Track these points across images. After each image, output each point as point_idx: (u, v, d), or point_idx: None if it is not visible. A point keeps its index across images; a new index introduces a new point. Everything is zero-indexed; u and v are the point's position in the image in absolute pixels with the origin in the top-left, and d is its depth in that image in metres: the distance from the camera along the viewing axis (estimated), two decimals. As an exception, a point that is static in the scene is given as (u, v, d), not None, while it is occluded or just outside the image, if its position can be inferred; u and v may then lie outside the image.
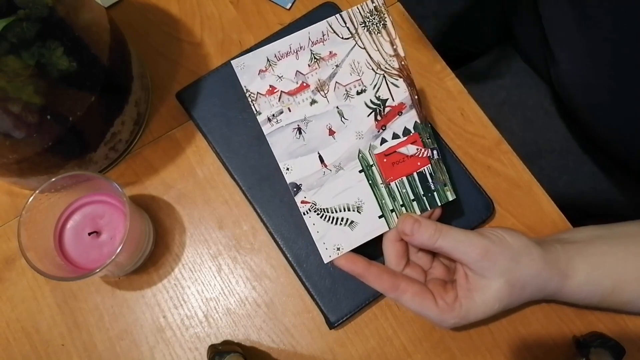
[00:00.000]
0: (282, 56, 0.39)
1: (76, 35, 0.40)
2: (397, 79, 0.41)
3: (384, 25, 0.40)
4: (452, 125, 0.53)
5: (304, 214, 0.41)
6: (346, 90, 0.41)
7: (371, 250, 0.43)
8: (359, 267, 0.41)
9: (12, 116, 0.39)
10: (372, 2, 0.40)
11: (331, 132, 0.41)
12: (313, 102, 0.40)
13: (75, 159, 0.47)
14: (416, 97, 0.42)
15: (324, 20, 0.39)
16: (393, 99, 0.41)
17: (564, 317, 0.48)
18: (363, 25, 0.40)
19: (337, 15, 0.40)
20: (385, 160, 0.42)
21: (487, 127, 0.53)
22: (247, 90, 0.40)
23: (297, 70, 0.40)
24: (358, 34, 0.40)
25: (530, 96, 0.65)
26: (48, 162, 0.45)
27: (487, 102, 0.56)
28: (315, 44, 0.40)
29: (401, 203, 0.42)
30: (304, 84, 0.40)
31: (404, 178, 0.42)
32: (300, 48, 0.40)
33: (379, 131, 0.42)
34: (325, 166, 0.41)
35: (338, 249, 0.42)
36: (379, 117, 0.41)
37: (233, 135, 0.52)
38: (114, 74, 0.46)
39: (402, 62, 0.41)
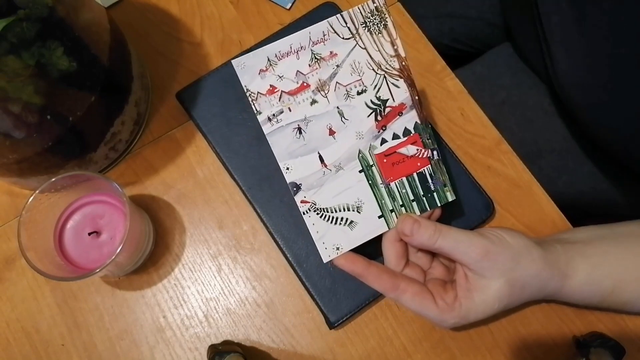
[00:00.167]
0: (282, 56, 0.39)
1: (76, 35, 0.40)
2: (397, 80, 0.41)
3: (385, 26, 0.40)
4: (452, 125, 0.53)
5: (304, 213, 0.41)
6: (346, 90, 0.41)
7: (371, 250, 0.43)
8: (358, 267, 0.41)
9: (12, 116, 0.39)
10: (373, 2, 0.40)
11: (331, 132, 0.41)
12: (313, 102, 0.40)
13: (75, 159, 0.47)
14: (417, 97, 0.42)
15: (325, 20, 0.39)
16: (393, 100, 0.41)
17: (564, 317, 0.48)
18: (364, 25, 0.40)
19: (338, 15, 0.40)
20: (385, 160, 0.42)
21: (487, 127, 0.53)
22: (247, 89, 0.40)
23: (298, 70, 0.40)
24: (359, 34, 0.40)
25: (529, 96, 0.65)
26: (48, 162, 0.45)
27: (487, 102, 0.56)
28: (316, 43, 0.40)
29: (401, 203, 0.42)
30: (305, 84, 0.40)
31: (404, 178, 0.42)
32: (301, 48, 0.40)
33: (379, 131, 0.42)
34: (325, 166, 0.41)
35: (337, 248, 0.42)
36: (379, 118, 0.41)
37: (233, 135, 0.52)
38: (114, 74, 0.46)
39: (403, 63, 0.41)
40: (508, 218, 0.51)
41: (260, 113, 0.40)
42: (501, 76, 0.67)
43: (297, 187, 0.41)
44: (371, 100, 0.41)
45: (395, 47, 0.41)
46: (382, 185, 0.42)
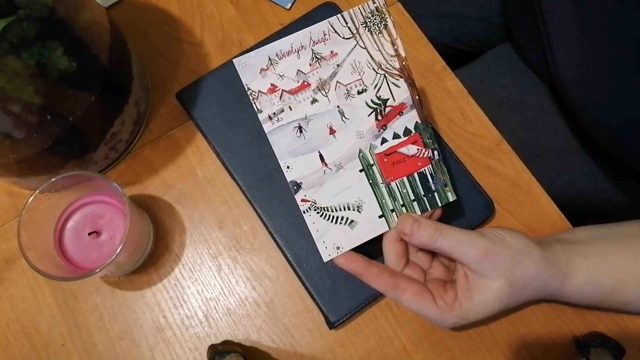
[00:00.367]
0: (283, 55, 0.39)
1: (76, 35, 0.40)
2: (398, 79, 0.41)
3: (385, 26, 0.40)
4: (452, 126, 0.53)
5: (304, 212, 0.41)
6: (347, 89, 0.41)
7: (371, 249, 0.43)
8: (359, 266, 0.41)
9: (12, 116, 0.39)
10: (374, 2, 0.40)
11: (332, 131, 0.41)
12: (314, 101, 0.41)
13: (75, 159, 0.47)
14: (417, 97, 0.42)
15: (326, 20, 0.39)
16: (394, 99, 0.41)
17: (564, 317, 0.48)
18: (364, 25, 0.40)
19: (339, 15, 0.40)
20: (385, 160, 0.42)
21: (487, 127, 0.53)
22: (248, 88, 0.40)
23: (299, 69, 0.40)
24: (359, 34, 0.40)
25: (530, 96, 0.65)
26: (48, 162, 0.45)
27: (487, 102, 0.56)
28: (317, 43, 0.40)
29: (401, 203, 0.42)
30: (305, 83, 0.40)
31: (405, 178, 0.42)
32: (302, 47, 0.40)
33: (379, 131, 0.42)
34: (326, 165, 0.41)
35: (338, 248, 0.42)
36: (379, 117, 0.41)
37: (233, 135, 0.52)
38: (114, 74, 0.46)
39: (403, 62, 0.41)
40: (508, 218, 0.51)
41: (261, 112, 0.40)
42: (501, 76, 0.67)
43: (298, 186, 0.41)
44: (372, 100, 0.41)
45: (396, 46, 0.41)
46: (382, 184, 0.42)
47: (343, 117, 0.41)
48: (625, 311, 0.47)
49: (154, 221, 0.50)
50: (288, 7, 0.57)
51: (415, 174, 0.42)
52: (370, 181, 0.42)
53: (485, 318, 0.41)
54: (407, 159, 0.42)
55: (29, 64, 0.36)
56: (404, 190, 0.42)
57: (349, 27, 0.40)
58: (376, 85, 0.41)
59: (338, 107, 0.41)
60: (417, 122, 0.42)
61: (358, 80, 0.41)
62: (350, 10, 0.40)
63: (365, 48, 0.40)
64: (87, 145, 0.47)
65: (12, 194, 0.52)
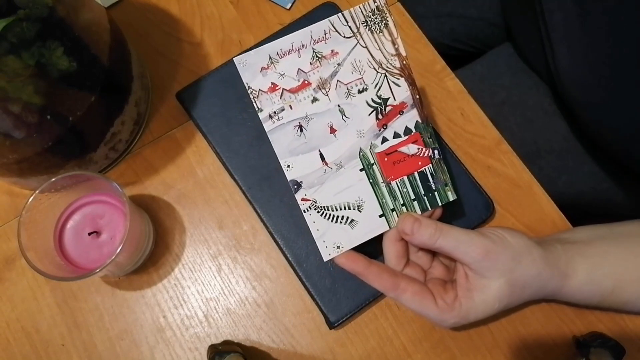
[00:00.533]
0: (284, 54, 0.39)
1: (76, 35, 0.40)
2: (398, 78, 0.41)
3: (386, 25, 0.40)
4: (452, 125, 0.53)
5: (304, 211, 0.41)
6: (347, 88, 0.41)
7: (371, 249, 0.43)
8: (359, 266, 0.41)
9: (12, 116, 0.38)
10: (374, 1, 0.40)
11: (332, 130, 0.41)
12: (314, 100, 0.41)
13: (75, 159, 0.47)
14: (417, 96, 0.42)
15: (326, 19, 0.39)
16: (394, 98, 0.41)
17: (564, 317, 0.48)
18: (365, 24, 0.40)
19: (339, 14, 0.40)
20: (386, 159, 0.42)
21: (487, 127, 0.53)
22: (249, 87, 0.40)
23: (299, 68, 0.40)
24: (360, 33, 0.40)
25: (530, 96, 0.65)
26: (48, 162, 0.45)
27: (487, 102, 0.56)
28: (317, 42, 0.40)
29: (402, 202, 0.42)
30: (306, 82, 0.40)
31: (405, 177, 0.42)
32: (302, 46, 0.40)
33: (380, 130, 0.42)
34: (326, 164, 0.41)
35: (338, 247, 0.42)
36: (380, 116, 0.41)
37: (233, 135, 0.51)
38: (114, 74, 0.46)
39: (404, 62, 0.41)
40: (508, 218, 0.51)
41: (261, 110, 0.40)
42: (501, 76, 0.67)
43: (298, 185, 0.41)
44: (372, 99, 0.41)
45: (396, 46, 0.41)
46: (383, 184, 0.42)
47: (343, 116, 0.41)
48: (625, 311, 0.46)
49: (154, 221, 0.50)
50: (288, 7, 0.57)
51: (416, 173, 0.42)
52: (371, 180, 0.42)
53: (486, 318, 0.41)
54: (408, 158, 0.42)
55: (29, 64, 0.36)
56: (405, 190, 0.42)
57: (349, 26, 0.40)
58: (377, 84, 0.41)
59: (338, 106, 0.41)
60: (417, 121, 0.42)
61: (359, 79, 0.41)
62: (351, 9, 0.40)
63: (366, 47, 0.40)
64: (87, 145, 0.47)
65: (12, 194, 0.52)
